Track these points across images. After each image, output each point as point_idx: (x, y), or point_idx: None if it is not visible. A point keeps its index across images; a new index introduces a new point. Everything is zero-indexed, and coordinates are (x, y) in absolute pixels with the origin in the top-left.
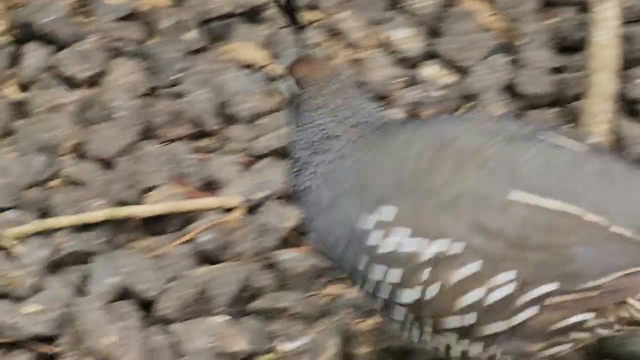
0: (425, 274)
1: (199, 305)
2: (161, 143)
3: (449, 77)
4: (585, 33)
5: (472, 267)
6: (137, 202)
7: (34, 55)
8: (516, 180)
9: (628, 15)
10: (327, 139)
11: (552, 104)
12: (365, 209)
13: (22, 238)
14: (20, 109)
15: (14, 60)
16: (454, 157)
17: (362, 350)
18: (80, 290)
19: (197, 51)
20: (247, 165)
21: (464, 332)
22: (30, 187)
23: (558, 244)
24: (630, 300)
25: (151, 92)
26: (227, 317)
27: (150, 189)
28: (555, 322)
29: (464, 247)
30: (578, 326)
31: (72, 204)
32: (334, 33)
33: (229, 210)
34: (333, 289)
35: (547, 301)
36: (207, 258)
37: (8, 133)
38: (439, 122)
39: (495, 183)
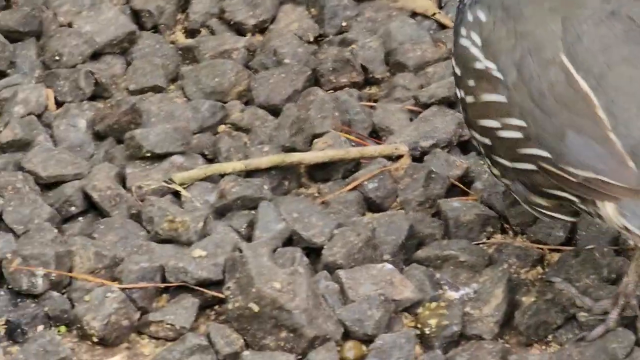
0: (471, 80)
1: (366, 253)
2: (328, 90)
3: None
4: None
5: (498, 97)
6: (304, 149)
7: (203, 1)
8: (573, 47)
9: None
10: None
11: None
12: (472, 8)
13: (190, 183)
14: (188, 55)
15: (183, 5)
16: (554, 1)
17: (527, 299)
18: (247, 235)
19: None
20: (414, 113)
21: (485, 149)
22: (199, 132)
23: (562, 119)
24: (598, 203)
25: (319, 40)
26: (393, 265)
27: (317, 136)
28: (548, 186)
29: (501, 77)
30: (567, 202)
31: (240, 150)
32: None
33: (395, 158)
34: (499, 238)
35: (543, 165)
36: (373, 206)
37: (176, 78)
38: None
39: (557, 40)
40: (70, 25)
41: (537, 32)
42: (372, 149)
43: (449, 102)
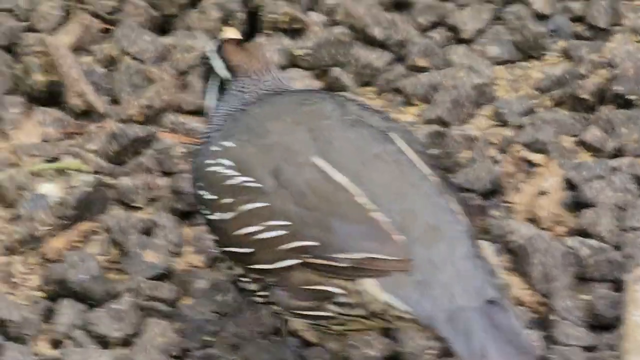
0: (228, 199)
1: None
2: None
3: None
4: (619, 311)
5: (260, 205)
6: None
7: (67, 313)
8: (325, 150)
9: None
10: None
11: None
12: (216, 141)
13: None
14: None
15: (47, 316)
16: (296, 116)
17: None
18: None
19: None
20: None
21: (244, 262)
22: None
23: (327, 213)
24: (367, 284)
25: (183, 355)
26: None
27: None
28: (309, 282)
29: (261, 188)
30: (330, 297)
31: None
32: None
33: None
34: None
35: (307, 257)
36: None
37: None
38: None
39: (308, 146)
40: None
41: (286, 142)
42: None
43: None
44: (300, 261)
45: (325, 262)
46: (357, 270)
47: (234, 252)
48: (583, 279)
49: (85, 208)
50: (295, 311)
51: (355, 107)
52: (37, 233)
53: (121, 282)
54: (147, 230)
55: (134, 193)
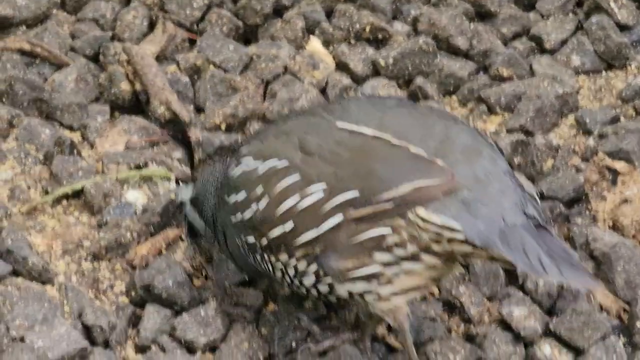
0: (259, 188)
1: None
2: None
3: (564, 357)
4: None
5: (291, 179)
6: None
7: (154, 318)
8: (344, 115)
9: None
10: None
11: None
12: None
13: None
14: None
15: (134, 322)
16: (300, 121)
17: None
18: None
19: (316, 319)
20: None
21: (288, 242)
22: None
23: (363, 160)
24: (418, 211)
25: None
26: None
27: None
28: (357, 233)
29: (288, 163)
30: (378, 242)
31: None
32: (452, 306)
33: None
34: None
35: (349, 211)
36: None
37: None
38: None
39: (327, 116)
40: (22, 339)
41: (304, 122)
42: None
43: None
44: (343, 218)
45: (371, 209)
46: (404, 206)
47: (277, 236)
48: None
49: (170, 215)
50: (345, 276)
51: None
52: (123, 240)
53: (207, 288)
54: None
55: None
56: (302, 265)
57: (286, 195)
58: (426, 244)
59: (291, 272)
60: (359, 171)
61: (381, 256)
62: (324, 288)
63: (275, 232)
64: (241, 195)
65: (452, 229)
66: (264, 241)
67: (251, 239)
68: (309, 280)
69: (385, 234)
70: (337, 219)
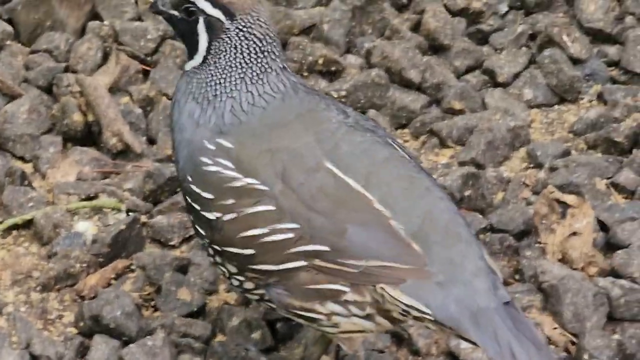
0: (230, 200)
1: None
2: None
3: None
4: None
5: (264, 207)
6: None
7: (102, 349)
8: (333, 154)
9: None
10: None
11: None
12: (210, 136)
13: None
14: None
15: (82, 352)
16: (301, 119)
17: None
18: None
19: (265, 350)
20: None
21: (242, 263)
22: None
23: (341, 216)
24: (385, 287)
25: None
26: None
27: None
28: (315, 282)
29: (266, 189)
30: (335, 295)
31: None
32: (400, 338)
33: None
34: None
35: (315, 261)
36: None
37: None
38: (319, 97)
39: (316, 149)
40: None
41: (292, 147)
42: None
43: None
44: (305, 264)
45: (336, 266)
46: (372, 276)
47: (232, 252)
48: (614, 319)
49: (120, 246)
50: (293, 310)
51: (354, 112)
52: (72, 270)
53: (155, 319)
54: (182, 268)
55: (169, 231)
56: (248, 284)
57: (255, 222)
58: (388, 312)
59: (234, 282)
60: (333, 227)
61: (334, 307)
62: (264, 304)
63: (232, 249)
64: (208, 195)
65: (420, 310)
66: (216, 245)
67: (204, 232)
68: (254, 297)
69: (346, 290)
70: (300, 263)
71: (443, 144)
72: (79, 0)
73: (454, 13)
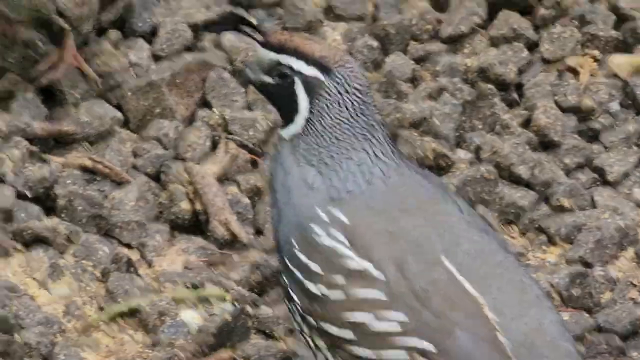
0: (340, 278)
1: None
2: None
3: None
4: None
5: (375, 294)
6: None
7: None
8: (451, 249)
9: None
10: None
11: None
12: (322, 203)
13: None
14: None
15: None
16: (423, 206)
17: None
18: None
19: None
20: None
21: (336, 342)
22: None
23: (449, 316)
24: None
25: None
26: None
27: None
28: None
29: (380, 275)
30: None
31: None
32: None
33: None
34: None
35: (418, 357)
36: None
37: None
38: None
39: (436, 242)
40: None
41: (412, 233)
42: None
43: None
44: (408, 358)
45: None
46: None
47: (328, 332)
48: None
49: (225, 336)
50: None
51: (464, 203)
52: (176, 359)
53: None
54: None
55: (274, 323)
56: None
57: (363, 306)
58: None
59: (318, 353)
60: (442, 327)
61: None
62: None
63: (329, 328)
64: (315, 266)
65: None
66: (310, 317)
67: (299, 300)
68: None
69: None
70: (401, 355)
71: (551, 242)
72: (189, 88)
73: (564, 110)
